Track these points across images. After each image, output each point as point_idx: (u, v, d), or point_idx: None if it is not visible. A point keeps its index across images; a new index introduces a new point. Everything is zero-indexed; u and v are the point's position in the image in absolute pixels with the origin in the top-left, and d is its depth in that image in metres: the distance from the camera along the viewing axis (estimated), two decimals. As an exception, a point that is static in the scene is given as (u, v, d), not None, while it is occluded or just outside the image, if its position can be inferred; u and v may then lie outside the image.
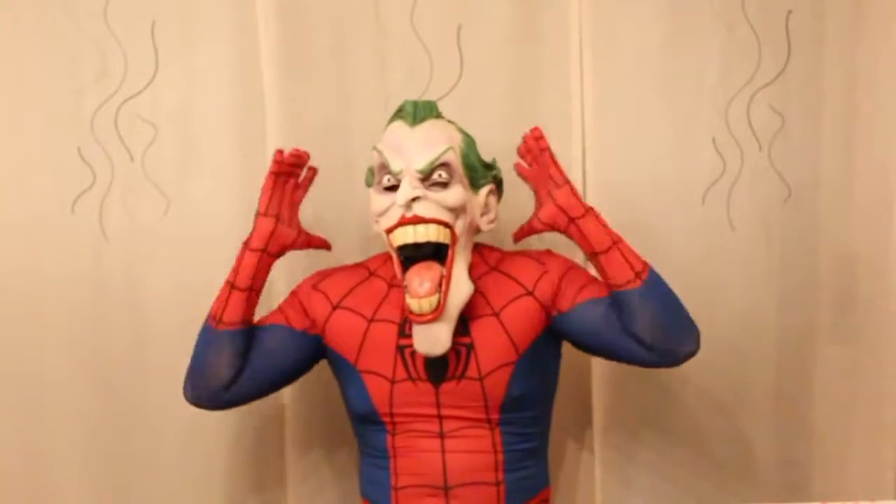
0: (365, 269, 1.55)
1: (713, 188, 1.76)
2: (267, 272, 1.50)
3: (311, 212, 1.73)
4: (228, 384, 1.46)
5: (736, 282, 1.77)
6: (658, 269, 1.74)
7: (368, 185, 1.52)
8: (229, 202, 1.74)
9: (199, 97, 1.72)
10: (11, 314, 1.74)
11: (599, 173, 1.75)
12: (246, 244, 1.48)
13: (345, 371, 1.50)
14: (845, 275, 1.78)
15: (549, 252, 1.56)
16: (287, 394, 1.74)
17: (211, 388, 1.47)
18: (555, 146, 1.74)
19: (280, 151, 1.48)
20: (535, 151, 1.49)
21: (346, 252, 1.66)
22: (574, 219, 1.44)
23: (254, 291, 1.48)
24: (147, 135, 1.73)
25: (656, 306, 1.41)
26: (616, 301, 1.42)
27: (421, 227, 1.41)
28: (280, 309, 1.54)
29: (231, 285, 1.47)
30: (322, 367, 1.55)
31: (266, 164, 1.71)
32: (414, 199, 1.41)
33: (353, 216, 1.74)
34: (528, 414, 1.47)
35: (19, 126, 1.72)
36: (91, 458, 1.77)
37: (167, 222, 1.74)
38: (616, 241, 1.43)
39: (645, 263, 1.43)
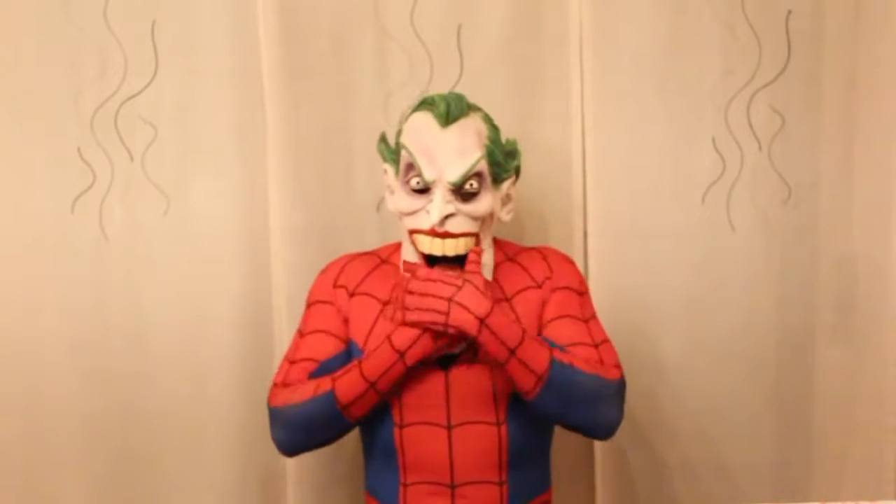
0: (376, 257, 1.54)
1: (713, 188, 1.76)
2: None
3: (311, 212, 1.74)
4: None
5: (736, 282, 1.77)
6: (658, 269, 1.75)
7: (385, 159, 1.49)
8: (229, 202, 1.74)
9: (199, 97, 1.72)
10: (11, 314, 1.74)
11: (599, 174, 1.75)
12: (401, 357, 1.38)
13: (354, 355, 1.48)
14: (845, 275, 1.78)
15: (564, 259, 1.53)
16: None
17: (305, 449, 1.49)
18: (554, 147, 1.76)
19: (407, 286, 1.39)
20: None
21: (348, 252, 1.66)
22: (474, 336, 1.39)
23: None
24: (147, 135, 1.73)
25: (557, 411, 1.40)
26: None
27: (450, 242, 1.40)
28: (325, 331, 1.48)
29: (380, 392, 1.40)
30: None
31: (266, 163, 1.73)
32: (446, 216, 1.40)
33: (354, 216, 1.75)
34: (533, 413, 1.47)
35: (19, 126, 1.72)
36: (91, 457, 1.77)
37: (167, 222, 1.74)
38: (506, 360, 1.36)
39: (539, 378, 1.36)
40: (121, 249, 1.74)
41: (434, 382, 1.44)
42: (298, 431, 1.45)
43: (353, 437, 1.58)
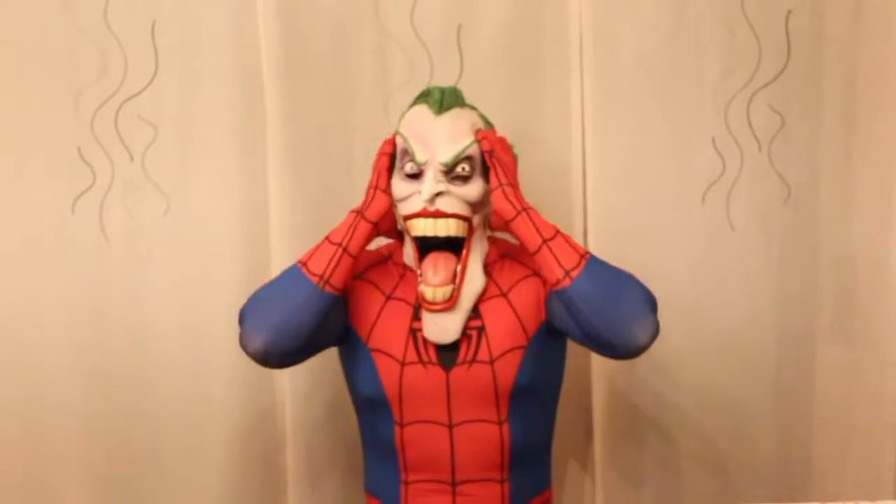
0: (379, 254, 1.56)
1: (713, 188, 1.76)
2: (367, 245, 1.48)
3: (311, 212, 1.74)
4: (305, 346, 1.42)
5: (736, 282, 1.77)
6: (658, 269, 1.75)
7: None
8: (229, 202, 1.74)
9: (199, 97, 1.72)
10: (11, 314, 1.74)
11: (599, 174, 1.75)
12: (360, 213, 1.45)
13: (354, 348, 1.48)
14: (845, 275, 1.79)
15: None
16: (287, 389, 1.75)
17: (292, 347, 1.40)
18: (554, 147, 1.76)
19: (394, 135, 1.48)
20: (487, 143, 1.45)
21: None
22: (507, 221, 1.44)
23: (356, 261, 1.45)
24: (147, 135, 1.73)
25: (595, 302, 1.37)
26: (559, 299, 1.40)
27: (441, 221, 1.43)
28: None
29: (343, 249, 1.42)
30: (325, 356, 1.53)
31: (266, 163, 1.73)
32: (438, 194, 1.42)
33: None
34: (534, 409, 1.47)
35: (19, 126, 1.71)
36: (91, 457, 1.77)
37: (167, 222, 1.74)
38: (548, 239, 1.40)
39: (581, 256, 1.39)
40: (121, 249, 1.74)
41: (435, 383, 1.44)
42: (264, 308, 1.40)
43: (353, 437, 1.58)
